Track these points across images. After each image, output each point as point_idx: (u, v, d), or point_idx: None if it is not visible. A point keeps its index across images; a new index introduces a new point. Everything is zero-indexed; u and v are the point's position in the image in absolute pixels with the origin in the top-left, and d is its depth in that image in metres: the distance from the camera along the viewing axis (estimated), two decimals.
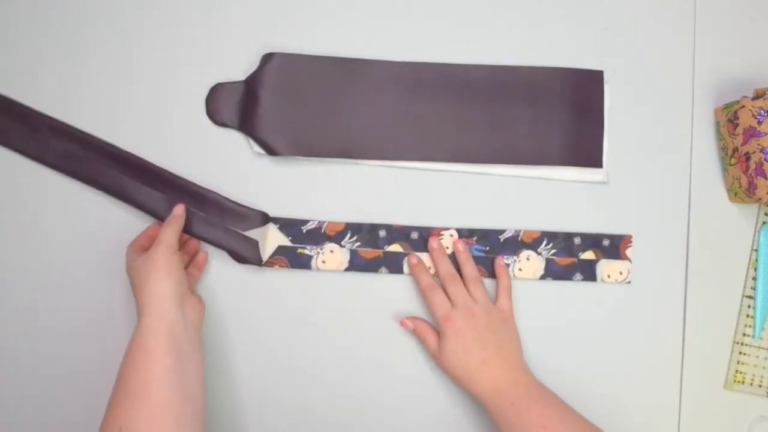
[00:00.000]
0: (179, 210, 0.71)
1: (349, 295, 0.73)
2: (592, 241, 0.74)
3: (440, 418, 0.72)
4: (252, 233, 0.72)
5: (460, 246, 0.72)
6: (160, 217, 0.71)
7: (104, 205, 0.73)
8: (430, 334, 0.70)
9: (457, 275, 0.71)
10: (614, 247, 0.74)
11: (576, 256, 0.73)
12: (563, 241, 0.73)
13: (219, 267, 0.73)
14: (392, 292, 0.73)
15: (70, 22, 0.76)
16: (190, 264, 0.72)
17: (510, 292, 0.72)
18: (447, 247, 0.73)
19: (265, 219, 0.73)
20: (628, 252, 0.74)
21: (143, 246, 0.70)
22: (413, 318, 0.71)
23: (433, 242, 0.72)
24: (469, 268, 0.72)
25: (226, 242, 0.71)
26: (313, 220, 0.73)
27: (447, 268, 0.71)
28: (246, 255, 0.71)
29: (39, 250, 0.73)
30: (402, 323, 0.71)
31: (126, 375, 0.61)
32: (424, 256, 0.73)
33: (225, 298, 0.73)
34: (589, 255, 0.73)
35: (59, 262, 0.73)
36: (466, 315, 0.68)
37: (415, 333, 0.71)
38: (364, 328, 0.73)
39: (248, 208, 0.73)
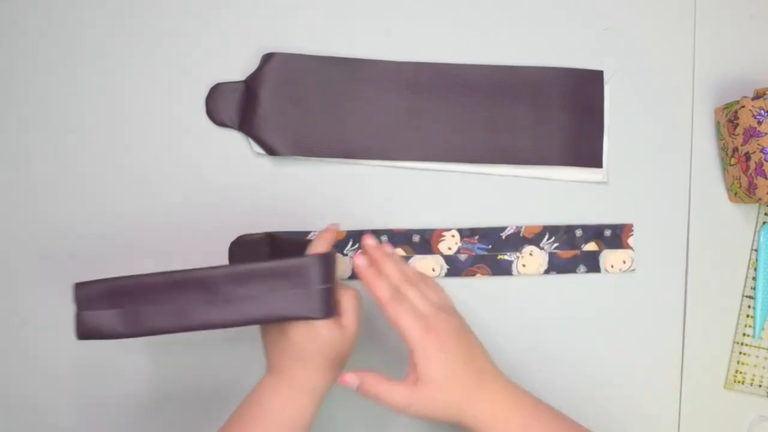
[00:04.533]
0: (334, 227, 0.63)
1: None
2: (594, 232, 0.74)
3: None
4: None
5: (370, 242, 0.61)
6: (216, 326, 0.58)
7: None
8: (385, 384, 0.56)
9: (413, 277, 0.60)
10: (616, 236, 0.74)
11: (578, 248, 0.73)
12: (565, 234, 0.74)
13: None
14: None
15: (70, 22, 0.76)
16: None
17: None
18: (449, 248, 0.73)
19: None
20: (630, 241, 0.74)
21: None
22: (358, 372, 0.57)
23: (369, 239, 0.61)
24: (407, 269, 0.61)
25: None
26: (314, 231, 0.73)
27: (396, 270, 0.60)
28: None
29: None
30: (343, 380, 0.57)
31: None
32: (428, 258, 0.73)
33: None
34: (591, 246, 0.74)
35: None
36: (443, 318, 0.57)
37: (362, 390, 0.57)
38: (372, 335, 0.73)
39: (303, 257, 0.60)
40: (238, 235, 0.73)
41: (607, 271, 0.74)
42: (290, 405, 0.58)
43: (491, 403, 0.56)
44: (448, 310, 0.59)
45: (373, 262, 0.60)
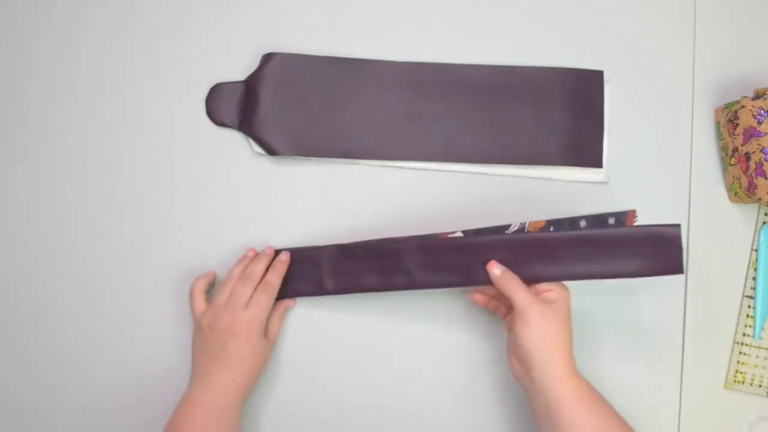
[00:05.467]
0: (285, 257, 0.71)
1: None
2: (598, 221, 0.73)
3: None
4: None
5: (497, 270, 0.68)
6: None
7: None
8: (516, 281, 0.65)
9: None
10: (620, 223, 0.73)
11: None
12: (569, 226, 0.73)
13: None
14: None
15: (70, 22, 0.76)
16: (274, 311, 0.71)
17: None
18: None
19: None
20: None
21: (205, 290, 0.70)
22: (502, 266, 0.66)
23: (494, 269, 0.67)
24: None
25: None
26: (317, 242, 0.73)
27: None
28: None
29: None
30: (490, 265, 0.66)
31: None
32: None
33: None
34: None
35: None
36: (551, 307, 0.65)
37: (499, 281, 0.65)
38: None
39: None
40: (238, 234, 0.73)
41: None
42: (223, 402, 0.65)
43: (565, 368, 0.63)
44: None
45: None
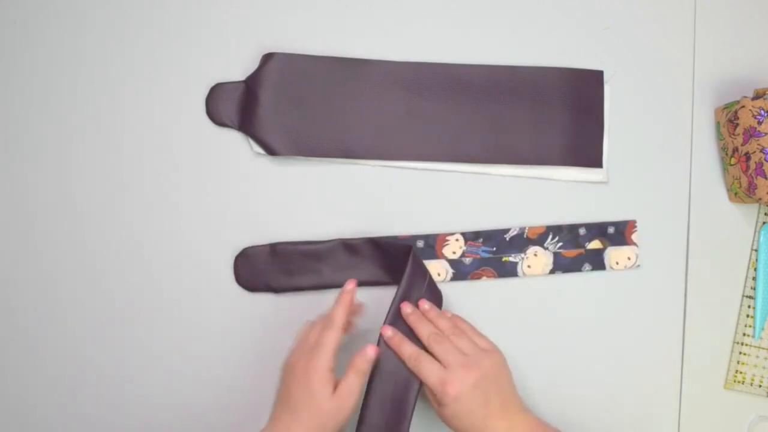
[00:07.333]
0: (350, 285, 0.66)
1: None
2: (597, 230, 0.74)
3: None
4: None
5: (426, 305, 0.67)
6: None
7: None
8: (429, 363, 0.63)
9: (441, 333, 0.65)
10: (619, 233, 0.74)
11: (583, 246, 0.73)
12: (568, 233, 0.73)
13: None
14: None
15: (70, 22, 0.76)
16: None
17: (477, 330, 0.67)
18: (454, 252, 0.73)
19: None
20: (634, 237, 0.74)
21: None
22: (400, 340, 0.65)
23: (406, 308, 0.66)
24: (443, 322, 0.66)
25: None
26: (318, 241, 0.73)
27: (428, 329, 0.65)
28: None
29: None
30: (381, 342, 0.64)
31: None
32: (433, 263, 0.73)
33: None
34: (595, 244, 0.73)
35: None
36: (462, 374, 0.61)
37: (410, 362, 0.63)
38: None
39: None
40: (238, 234, 0.73)
41: (612, 268, 0.73)
42: None
43: (510, 428, 0.61)
44: (473, 360, 0.63)
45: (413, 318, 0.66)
